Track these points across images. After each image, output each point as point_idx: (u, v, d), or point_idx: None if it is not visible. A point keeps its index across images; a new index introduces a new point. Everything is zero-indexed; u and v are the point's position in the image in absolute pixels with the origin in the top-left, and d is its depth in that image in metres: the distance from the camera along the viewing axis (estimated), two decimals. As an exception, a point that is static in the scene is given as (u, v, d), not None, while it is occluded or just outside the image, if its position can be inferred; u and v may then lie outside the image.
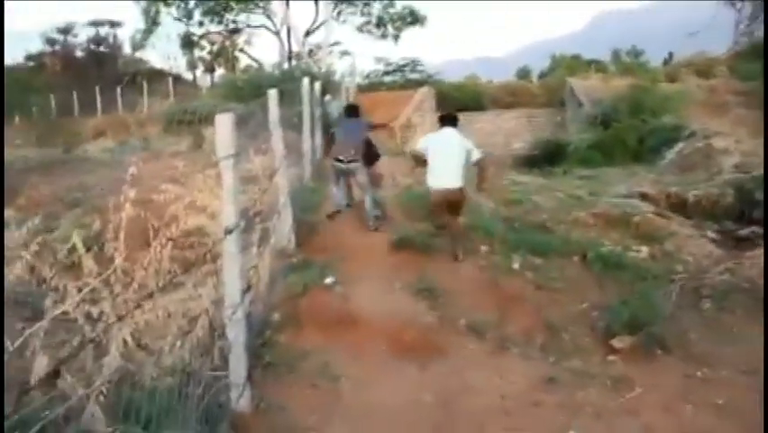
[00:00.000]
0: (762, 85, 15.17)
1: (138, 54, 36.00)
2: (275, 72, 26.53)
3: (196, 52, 36.96)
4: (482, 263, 5.99)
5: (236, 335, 3.19)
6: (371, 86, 28.47)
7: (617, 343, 4.48)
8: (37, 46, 36.80)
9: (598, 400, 3.75)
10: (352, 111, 7.65)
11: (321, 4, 32.46)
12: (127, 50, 36.22)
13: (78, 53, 35.72)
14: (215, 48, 36.62)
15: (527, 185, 10.18)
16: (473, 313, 4.96)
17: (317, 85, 11.10)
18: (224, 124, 3.10)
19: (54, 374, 1.89)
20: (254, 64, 35.39)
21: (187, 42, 35.66)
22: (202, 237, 5.02)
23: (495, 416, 3.57)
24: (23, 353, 2.58)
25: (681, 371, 4.16)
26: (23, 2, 51.36)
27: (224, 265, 3.19)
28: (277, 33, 33.91)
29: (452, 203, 6.04)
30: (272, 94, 5.84)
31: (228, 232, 3.06)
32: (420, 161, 6.14)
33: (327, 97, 13.19)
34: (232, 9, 32.75)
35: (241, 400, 3.25)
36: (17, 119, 24.44)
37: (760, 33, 23.35)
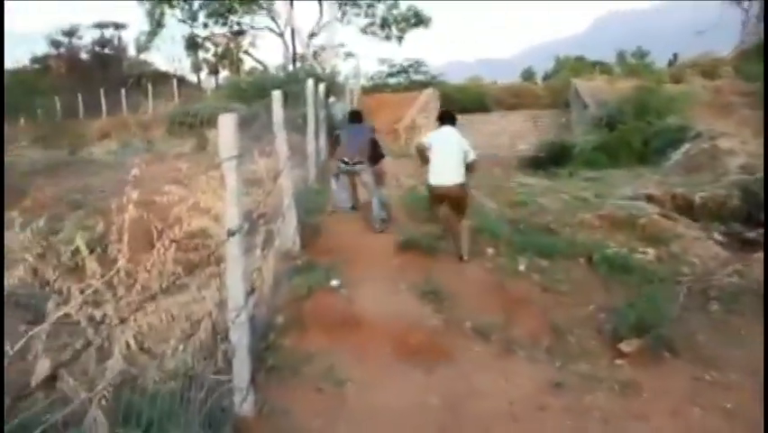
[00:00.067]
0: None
1: (142, 56, 36.29)
2: (279, 74, 26.60)
3: (201, 54, 37.15)
4: (488, 265, 5.96)
5: (240, 338, 3.16)
6: (375, 87, 28.50)
7: (624, 347, 4.44)
8: (41, 48, 37.12)
9: (605, 405, 3.72)
10: (355, 117, 7.76)
11: (325, 5, 32.46)
12: (132, 52, 36.56)
13: (83, 55, 35.96)
14: (220, 50, 36.69)
15: (533, 187, 10.16)
16: (479, 315, 4.92)
17: (322, 86, 11.07)
18: (226, 126, 3.07)
19: (52, 378, 1.87)
20: (259, 66, 35.50)
21: (192, 44, 35.76)
22: (206, 239, 4.99)
23: (501, 420, 3.54)
24: (26, 356, 2.56)
25: (689, 374, 4.13)
26: (24, 2, 51.57)
27: (227, 268, 3.16)
28: (281, 35, 33.96)
29: (454, 200, 6.02)
30: (276, 95, 5.82)
31: (231, 234, 3.04)
32: (424, 159, 6.13)
33: (332, 99, 13.18)
34: (236, 11, 32.76)
35: (244, 404, 3.22)
36: (23, 121, 24.57)
37: (765, 33, 23.28)
